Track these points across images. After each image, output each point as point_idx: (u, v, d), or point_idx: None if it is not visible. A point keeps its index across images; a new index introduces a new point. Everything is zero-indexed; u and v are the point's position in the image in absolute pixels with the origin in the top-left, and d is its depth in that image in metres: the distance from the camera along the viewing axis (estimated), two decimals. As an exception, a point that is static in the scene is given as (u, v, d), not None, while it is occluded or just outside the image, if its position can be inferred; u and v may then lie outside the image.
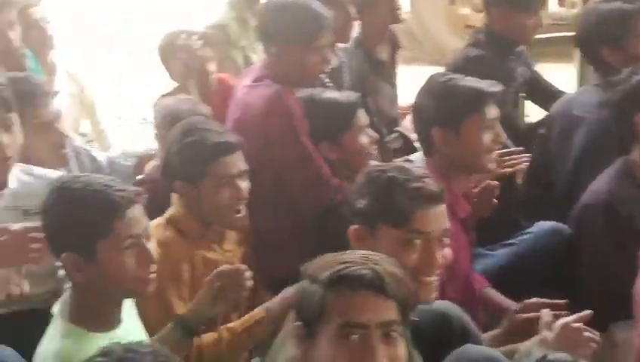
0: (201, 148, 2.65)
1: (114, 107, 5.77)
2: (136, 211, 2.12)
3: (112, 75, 6.68)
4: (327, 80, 3.56)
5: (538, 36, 4.01)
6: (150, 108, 4.07)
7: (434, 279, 2.17)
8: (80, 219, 2.08)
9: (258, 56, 4.30)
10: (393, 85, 4.26)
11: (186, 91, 3.71)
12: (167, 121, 3.22)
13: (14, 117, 2.63)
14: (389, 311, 1.74)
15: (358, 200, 2.21)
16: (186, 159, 2.66)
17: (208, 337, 2.55)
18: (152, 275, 2.16)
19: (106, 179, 2.18)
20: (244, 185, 2.71)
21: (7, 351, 2.32)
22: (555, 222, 3.10)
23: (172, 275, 2.60)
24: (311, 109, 3.11)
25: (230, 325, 2.60)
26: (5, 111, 2.60)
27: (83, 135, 4.62)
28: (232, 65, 4.26)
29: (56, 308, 2.19)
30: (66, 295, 2.20)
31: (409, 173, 2.21)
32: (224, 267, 2.47)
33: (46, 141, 2.97)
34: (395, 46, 4.30)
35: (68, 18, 7.07)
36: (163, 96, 3.97)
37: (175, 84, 3.92)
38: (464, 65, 3.51)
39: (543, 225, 3.13)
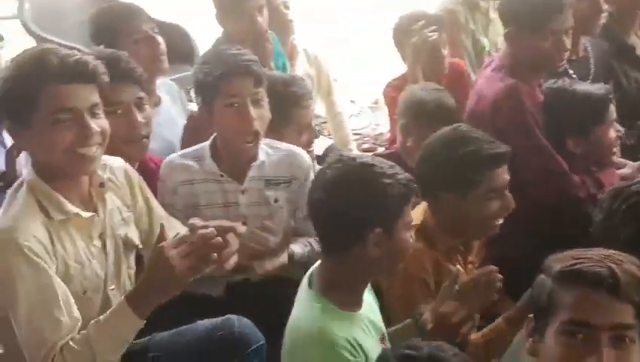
0: (478, 158, 2.56)
1: (347, 90, 5.87)
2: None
3: (346, 57, 6.81)
4: (571, 71, 3.45)
5: None
6: (381, 91, 4.15)
7: None
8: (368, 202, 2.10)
9: (489, 40, 4.24)
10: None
11: (415, 75, 3.70)
12: (411, 110, 3.24)
13: (262, 92, 2.75)
14: (623, 314, 1.66)
15: (616, 224, 2.05)
16: (460, 169, 2.56)
17: None
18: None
19: (387, 164, 2.17)
20: (509, 195, 2.62)
21: (244, 321, 2.43)
22: None
23: (421, 288, 2.55)
24: (560, 101, 3.03)
25: (471, 337, 2.50)
26: (256, 86, 2.73)
27: (317, 116, 4.72)
28: (461, 50, 4.21)
29: (306, 278, 2.23)
30: (318, 267, 2.23)
31: None
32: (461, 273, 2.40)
33: (301, 140, 3.10)
34: None
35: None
36: (393, 80, 3.99)
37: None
38: None
39: None
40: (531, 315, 1.78)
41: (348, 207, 2.09)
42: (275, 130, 2.94)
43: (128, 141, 2.71)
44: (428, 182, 2.59)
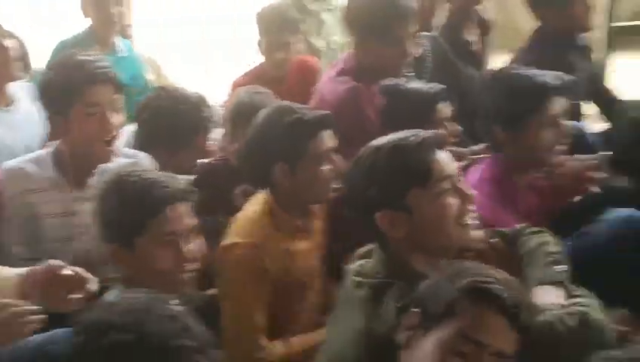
0: (303, 124, 2.54)
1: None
2: (180, 209, 2.17)
3: (191, 59, 6.72)
4: (410, 70, 3.48)
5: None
6: (227, 94, 4.10)
7: None
8: (123, 212, 2.16)
9: (322, 42, 4.27)
10: (480, 69, 4.09)
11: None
12: (235, 114, 3.15)
13: (120, 98, 2.73)
14: (510, 344, 1.65)
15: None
16: (289, 138, 2.53)
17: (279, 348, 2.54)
18: (187, 275, 2.21)
19: (157, 174, 2.21)
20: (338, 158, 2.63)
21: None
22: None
23: (258, 277, 2.51)
24: (395, 101, 3.00)
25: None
26: (115, 93, 2.69)
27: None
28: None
29: None
30: None
31: None
32: None
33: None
34: (484, 30, 4.15)
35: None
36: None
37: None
38: None
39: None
40: (416, 310, 1.73)
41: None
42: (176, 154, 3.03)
43: None
44: (260, 160, 2.58)
